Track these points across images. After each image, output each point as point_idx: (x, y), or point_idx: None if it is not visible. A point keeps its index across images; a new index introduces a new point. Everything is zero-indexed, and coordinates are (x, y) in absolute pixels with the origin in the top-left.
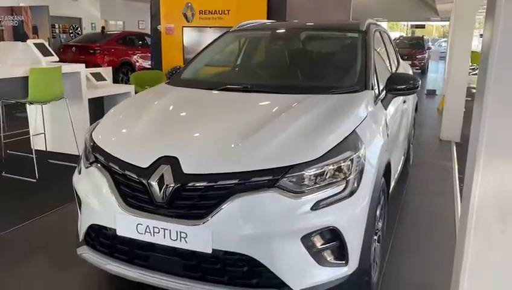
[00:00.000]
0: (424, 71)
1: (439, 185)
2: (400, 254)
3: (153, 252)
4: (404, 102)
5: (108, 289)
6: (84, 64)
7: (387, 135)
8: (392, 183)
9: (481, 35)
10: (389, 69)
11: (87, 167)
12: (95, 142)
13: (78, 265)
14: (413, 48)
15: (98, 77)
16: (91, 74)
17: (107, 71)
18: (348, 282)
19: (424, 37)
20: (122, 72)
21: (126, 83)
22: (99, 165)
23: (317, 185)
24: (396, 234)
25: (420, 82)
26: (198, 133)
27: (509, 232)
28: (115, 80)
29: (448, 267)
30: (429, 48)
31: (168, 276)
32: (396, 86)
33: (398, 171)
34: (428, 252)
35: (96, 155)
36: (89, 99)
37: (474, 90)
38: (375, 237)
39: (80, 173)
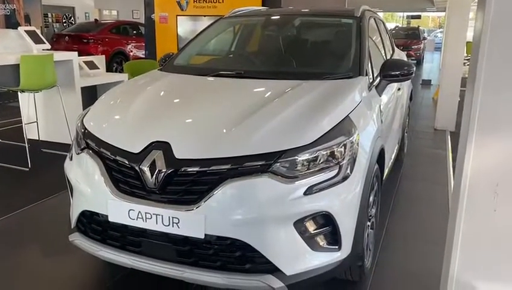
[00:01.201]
0: (419, 61)
1: (433, 173)
2: (393, 241)
3: (145, 238)
4: (399, 89)
5: (101, 277)
6: (76, 53)
7: (381, 121)
8: (386, 171)
9: None
10: (384, 56)
11: (78, 153)
12: (86, 128)
13: (70, 253)
14: (408, 39)
15: (91, 65)
16: (84, 62)
17: (100, 60)
18: (341, 267)
19: (420, 27)
20: (116, 62)
21: (120, 73)
22: (90, 151)
23: (310, 170)
24: (390, 220)
25: (414, 68)
26: (190, 119)
27: (501, 210)
28: (109, 70)
29: (441, 252)
30: (425, 39)
31: (160, 262)
32: (391, 72)
33: (392, 159)
34: (422, 238)
35: (88, 141)
36: (82, 88)
37: None
38: (369, 223)
39: (71, 159)
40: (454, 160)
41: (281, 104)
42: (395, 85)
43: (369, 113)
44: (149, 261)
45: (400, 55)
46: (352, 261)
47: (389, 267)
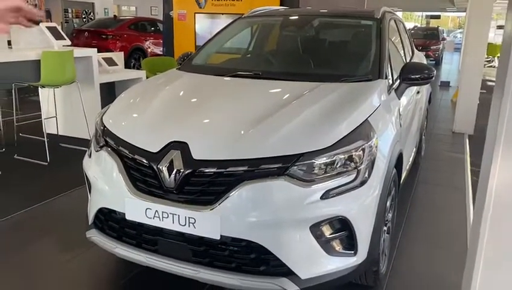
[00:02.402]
0: (438, 62)
1: (450, 177)
2: (409, 246)
3: (161, 237)
4: (418, 92)
5: (116, 273)
6: (96, 49)
7: (400, 125)
8: (404, 175)
9: (498, 27)
10: (404, 58)
11: (97, 151)
12: (105, 126)
13: (87, 248)
14: (427, 39)
15: (110, 62)
16: (103, 58)
17: (118, 56)
18: (356, 272)
19: (439, 27)
20: (134, 58)
21: (138, 69)
22: (109, 149)
23: (328, 174)
24: (405, 225)
25: (435, 72)
26: (208, 119)
27: None
28: (127, 66)
29: (458, 259)
30: (444, 39)
31: (176, 261)
32: (411, 75)
33: (409, 163)
34: (439, 244)
35: (107, 139)
36: (101, 84)
37: (489, 83)
38: (385, 228)
39: (90, 156)
40: (472, 164)
41: (298, 106)
42: (414, 88)
43: (388, 117)
44: (164, 260)
45: (420, 56)
46: (368, 266)
47: (404, 273)
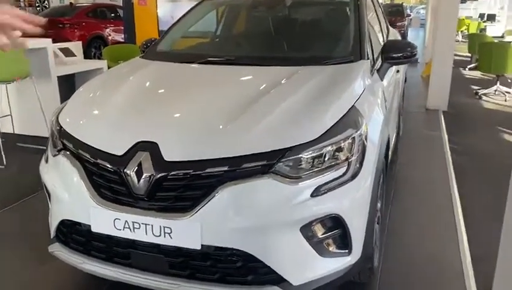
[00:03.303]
0: (404, 38)
1: (430, 156)
2: (398, 232)
3: (134, 250)
4: (398, 72)
5: (87, 286)
6: (51, 39)
7: (386, 108)
8: (389, 159)
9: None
10: (382, 36)
11: (54, 155)
12: (61, 127)
13: (54, 259)
14: (393, 16)
15: (67, 52)
16: (59, 49)
17: (76, 46)
18: (351, 272)
19: (403, 4)
20: (94, 47)
21: (99, 59)
22: (68, 153)
23: (317, 169)
24: (392, 211)
25: (417, 49)
26: (179, 114)
27: None
28: (87, 56)
29: (448, 238)
30: (408, 15)
31: (152, 275)
32: (393, 54)
33: (392, 146)
34: (427, 226)
35: (64, 142)
36: (59, 77)
37: (454, 57)
38: (375, 219)
39: (47, 161)
40: (450, 141)
41: (279, 94)
42: (393, 67)
43: (374, 100)
44: (139, 275)
45: (395, 34)
46: (363, 264)
47: (397, 262)
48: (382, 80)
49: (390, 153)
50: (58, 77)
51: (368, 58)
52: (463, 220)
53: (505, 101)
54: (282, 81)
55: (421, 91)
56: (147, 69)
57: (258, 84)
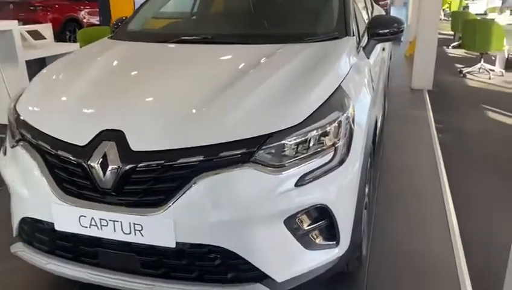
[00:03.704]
0: None
1: (416, 137)
2: (386, 217)
3: (103, 248)
4: (383, 49)
5: (58, 285)
6: (16, 21)
7: (373, 88)
8: (376, 142)
9: None
10: (366, 13)
11: (12, 147)
12: (19, 115)
13: (14, 262)
14: None
15: (36, 35)
16: (27, 32)
17: (46, 28)
18: (339, 264)
19: None
20: (69, 31)
21: (74, 42)
22: (26, 144)
23: (301, 156)
24: (379, 194)
25: (405, 25)
26: (149, 98)
27: None
28: (62, 40)
29: (435, 227)
30: None
31: (124, 275)
32: (379, 30)
33: (379, 128)
34: (415, 210)
35: (23, 132)
36: (28, 62)
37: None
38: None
39: (5, 153)
40: (436, 121)
41: (259, 75)
42: (379, 45)
43: (361, 80)
44: (110, 275)
45: (380, 11)
46: (351, 254)
47: (385, 249)
48: (368, 58)
49: (377, 135)
50: (26, 61)
51: (354, 35)
52: (452, 203)
53: (489, 79)
54: (262, 61)
55: (405, 71)
56: (115, 50)
57: (235, 65)
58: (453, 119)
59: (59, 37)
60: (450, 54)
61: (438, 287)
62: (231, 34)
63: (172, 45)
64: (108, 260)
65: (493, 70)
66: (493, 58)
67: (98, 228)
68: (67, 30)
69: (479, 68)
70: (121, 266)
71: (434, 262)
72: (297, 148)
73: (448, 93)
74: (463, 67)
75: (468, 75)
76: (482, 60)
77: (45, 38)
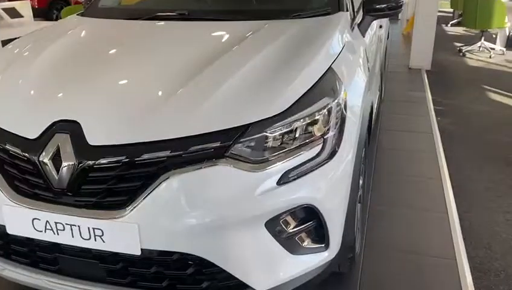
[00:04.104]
0: None
1: (414, 119)
2: (381, 210)
3: (63, 254)
4: (381, 27)
5: None
6: None
7: (368, 69)
8: (372, 129)
9: None
10: None
11: None
12: None
13: None
14: None
15: (13, 13)
16: (3, 9)
17: (24, 6)
18: (329, 268)
19: None
20: (56, 9)
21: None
22: None
23: (285, 150)
24: (374, 184)
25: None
26: (112, 84)
27: None
28: (50, 18)
29: (434, 222)
30: None
31: (87, 284)
32: (376, 5)
33: (375, 112)
34: (412, 202)
35: None
36: (4, 42)
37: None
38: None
39: None
40: (435, 103)
41: (238, 56)
42: (375, 22)
43: (355, 61)
44: (71, 284)
45: None
46: (343, 257)
47: (381, 247)
48: (364, 36)
49: (373, 121)
50: (2, 41)
51: (348, 10)
52: (452, 191)
53: (490, 58)
54: (243, 40)
55: (403, 49)
56: (81, 28)
57: (213, 45)
58: (453, 100)
59: (46, 16)
60: (449, 32)
61: (438, 285)
62: (210, 10)
63: (144, 23)
64: (69, 267)
65: (494, 49)
66: (494, 36)
67: (54, 232)
68: (55, 9)
69: (479, 47)
70: (84, 273)
71: (432, 258)
72: (280, 141)
73: (448, 73)
74: (462, 46)
75: (467, 54)
76: (483, 38)
77: (22, 17)
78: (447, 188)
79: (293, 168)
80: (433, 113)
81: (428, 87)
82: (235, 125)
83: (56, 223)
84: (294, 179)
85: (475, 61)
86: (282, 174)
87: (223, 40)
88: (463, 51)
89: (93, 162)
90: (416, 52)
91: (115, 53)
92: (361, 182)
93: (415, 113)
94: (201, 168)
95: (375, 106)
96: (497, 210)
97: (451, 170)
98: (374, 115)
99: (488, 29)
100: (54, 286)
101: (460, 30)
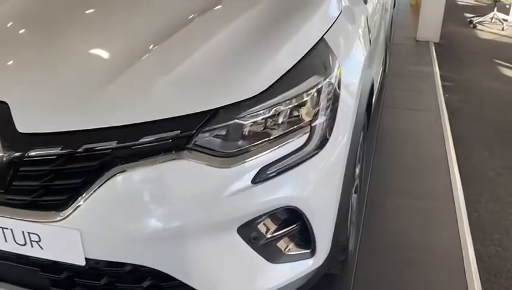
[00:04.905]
0: None
1: (420, 96)
2: (380, 202)
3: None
4: None
5: None
6: None
7: (370, 42)
8: (372, 110)
9: None
10: None
11: None
12: None
13: None
14: None
15: None
16: None
17: None
18: (316, 277)
19: None
20: None
21: None
22: None
23: (262, 141)
24: (373, 170)
25: None
26: (49, 58)
27: None
28: None
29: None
30: None
31: None
32: None
33: (377, 90)
34: (417, 193)
35: None
36: None
37: None
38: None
39: None
40: (442, 78)
41: (207, 24)
42: None
43: (354, 31)
44: None
45: None
46: (333, 260)
47: (379, 245)
48: (366, 3)
49: (373, 101)
50: None
51: None
52: (459, 178)
53: (502, 30)
54: (214, 4)
55: (410, 20)
56: None
57: (176, 8)
58: (462, 76)
59: None
60: (458, 2)
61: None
62: None
63: None
64: (9, 273)
65: (507, 21)
66: (507, 6)
67: None
68: None
69: (491, 18)
70: (26, 281)
71: (436, 257)
72: (257, 129)
73: (457, 46)
74: (473, 17)
75: (478, 26)
76: (495, 9)
77: None
78: (454, 174)
79: (272, 162)
80: (440, 89)
81: (436, 61)
82: (200, 110)
83: None
84: (274, 176)
85: (486, 33)
86: (259, 171)
87: (190, 3)
88: (474, 22)
89: (22, 153)
90: (425, 24)
91: (57, 18)
92: (357, 171)
93: (421, 89)
94: (157, 163)
95: (377, 83)
96: (510, 200)
97: (459, 153)
98: (375, 94)
99: None
100: None
101: (471, 0)
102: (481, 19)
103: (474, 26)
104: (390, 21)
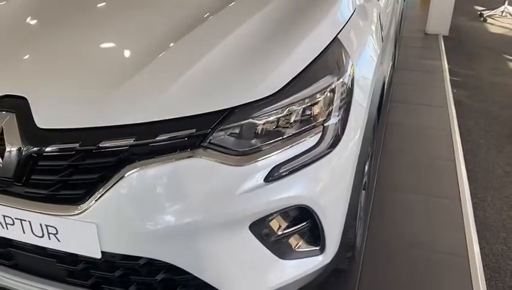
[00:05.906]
0: None
1: (428, 91)
2: (387, 198)
3: (16, 249)
4: None
5: None
6: None
7: (382, 39)
8: (382, 106)
9: None
10: None
11: None
12: None
13: None
14: None
15: None
16: None
17: None
18: (324, 274)
19: None
20: None
21: None
22: None
23: (276, 140)
24: (381, 166)
25: None
26: (69, 55)
27: None
28: None
29: (446, 212)
30: None
31: (45, 282)
32: None
33: (387, 85)
34: (423, 189)
35: None
36: None
37: None
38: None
39: None
40: (451, 73)
41: (221, 24)
42: None
43: (367, 29)
44: (27, 281)
45: None
46: (340, 257)
47: (386, 242)
48: None
49: (384, 97)
50: None
51: None
52: (466, 177)
53: None
54: (228, 3)
55: (419, 13)
56: None
57: (190, 9)
58: (471, 70)
59: None
60: None
61: (446, 286)
62: None
63: None
64: (26, 263)
65: None
66: None
67: (2, 226)
68: None
69: (502, 11)
70: (43, 271)
71: (441, 254)
72: (270, 128)
73: (466, 40)
74: (483, 10)
75: (489, 19)
76: (506, 2)
77: None
78: (461, 171)
79: (284, 161)
80: (448, 84)
81: (445, 55)
82: (214, 110)
83: (4, 216)
84: (286, 175)
85: (497, 27)
86: (271, 170)
87: (203, 3)
88: (484, 15)
89: (41, 148)
90: (434, 16)
91: (76, 18)
92: (366, 168)
93: (429, 84)
94: (172, 160)
95: (387, 79)
96: None
97: (467, 149)
98: (385, 90)
99: None
100: (9, 283)
101: None
102: (491, 12)
103: (485, 20)
104: (400, 14)
